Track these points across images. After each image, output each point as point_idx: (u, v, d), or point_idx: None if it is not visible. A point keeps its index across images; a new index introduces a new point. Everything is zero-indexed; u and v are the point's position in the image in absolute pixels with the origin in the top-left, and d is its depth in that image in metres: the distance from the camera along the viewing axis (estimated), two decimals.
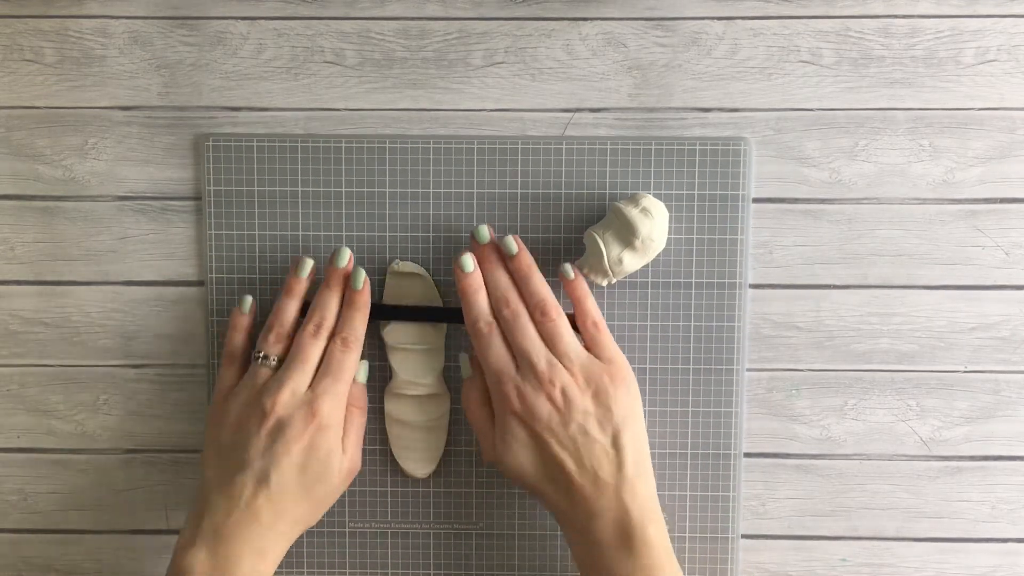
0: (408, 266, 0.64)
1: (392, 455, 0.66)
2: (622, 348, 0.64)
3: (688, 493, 0.66)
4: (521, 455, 0.60)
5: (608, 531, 0.58)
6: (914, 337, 0.66)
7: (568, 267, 0.62)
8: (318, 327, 0.61)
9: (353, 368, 0.61)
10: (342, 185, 0.65)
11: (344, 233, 0.65)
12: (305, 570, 0.66)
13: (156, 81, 0.65)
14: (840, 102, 0.65)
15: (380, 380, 0.65)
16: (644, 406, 0.65)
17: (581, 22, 0.65)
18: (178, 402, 0.66)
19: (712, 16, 0.64)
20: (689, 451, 0.66)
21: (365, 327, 0.62)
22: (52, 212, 0.66)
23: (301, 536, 0.65)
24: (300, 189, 0.65)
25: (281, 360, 0.61)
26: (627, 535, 0.58)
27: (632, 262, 0.61)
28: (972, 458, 0.66)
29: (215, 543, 0.58)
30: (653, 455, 0.65)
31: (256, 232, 0.65)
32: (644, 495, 0.59)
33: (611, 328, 0.65)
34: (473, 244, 0.62)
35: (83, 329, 0.66)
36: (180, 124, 0.65)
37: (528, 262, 0.62)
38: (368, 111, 0.65)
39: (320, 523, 0.66)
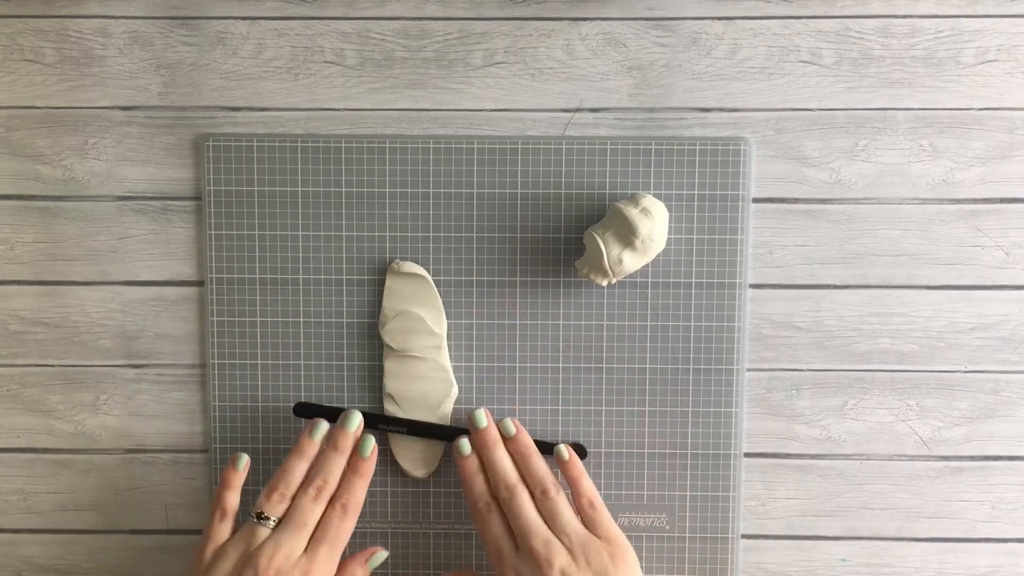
0: (408, 266, 0.64)
1: (392, 456, 0.66)
2: (622, 348, 0.64)
3: (688, 493, 0.66)
4: None
5: None
6: (914, 337, 0.66)
7: (562, 448, 0.63)
8: (319, 491, 0.61)
9: (348, 535, 0.61)
10: (342, 185, 0.65)
11: (344, 233, 0.65)
12: None
13: (156, 81, 0.65)
14: (840, 102, 0.65)
15: (379, 381, 0.65)
16: (644, 405, 0.65)
17: (581, 22, 0.65)
18: (178, 402, 0.66)
19: (712, 16, 0.64)
20: (689, 451, 0.66)
21: (365, 495, 0.62)
22: (52, 212, 0.66)
23: None
24: (300, 189, 0.65)
25: (279, 520, 0.60)
26: None
27: (632, 262, 0.61)
28: (972, 458, 0.66)
29: None
30: (654, 455, 0.65)
31: (256, 232, 0.65)
32: None
33: (611, 328, 0.65)
34: (471, 428, 0.63)
35: (83, 329, 0.66)
36: (180, 124, 0.65)
37: (527, 442, 0.63)
38: (368, 111, 0.65)
39: None
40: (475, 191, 0.65)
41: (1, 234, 0.66)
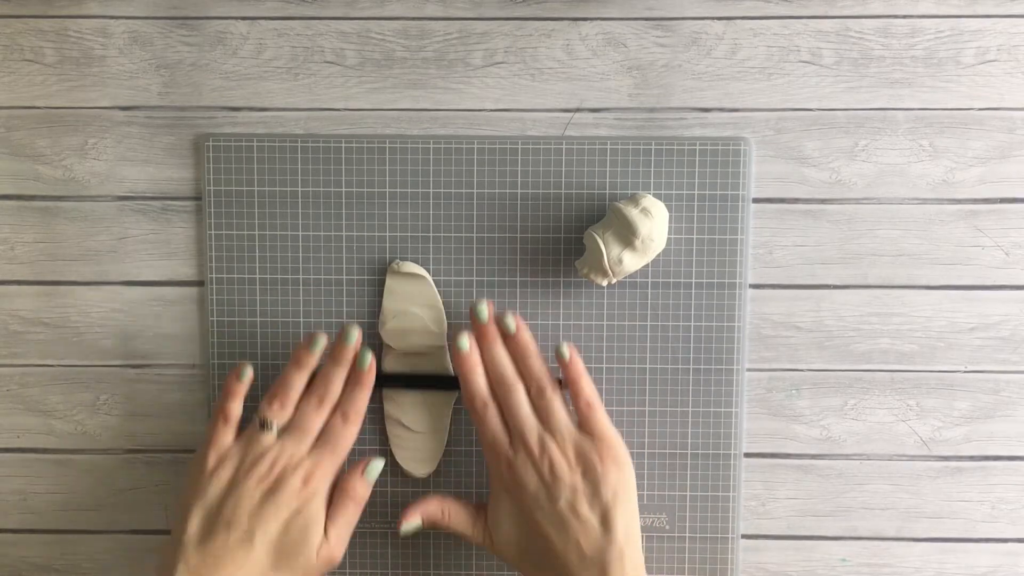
0: (408, 266, 0.64)
1: (392, 455, 0.66)
2: (622, 348, 0.64)
3: (688, 493, 0.66)
4: (507, 526, 0.60)
5: None
6: (914, 337, 0.66)
7: (564, 347, 0.62)
8: (321, 400, 0.61)
9: (350, 442, 0.61)
10: (342, 185, 0.65)
11: (344, 233, 0.65)
12: None
13: (156, 81, 0.65)
14: (840, 102, 0.65)
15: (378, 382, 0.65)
16: (644, 405, 0.65)
17: (581, 22, 0.65)
18: (178, 402, 0.66)
19: (712, 16, 0.64)
20: (689, 451, 0.66)
21: (366, 404, 0.62)
22: (52, 212, 0.66)
23: None
24: (300, 189, 0.65)
25: (282, 429, 0.61)
26: None
27: (632, 262, 0.61)
28: (972, 458, 0.66)
29: None
30: (653, 455, 0.65)
31: (256, 232, 0.65)
32: (632, 572, 0.58)
33: (611, 328, 0.65)
34: (472, 321, 0.62)
35: (83, 329, 0.66)
36: (180, 124, 0.65)
37: (526, 340, 0.62)
38: (368, 111, 0.65)
39: None
40: (475, 191, 0.65)
41: (1, 234, 0.66)
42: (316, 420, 0.61)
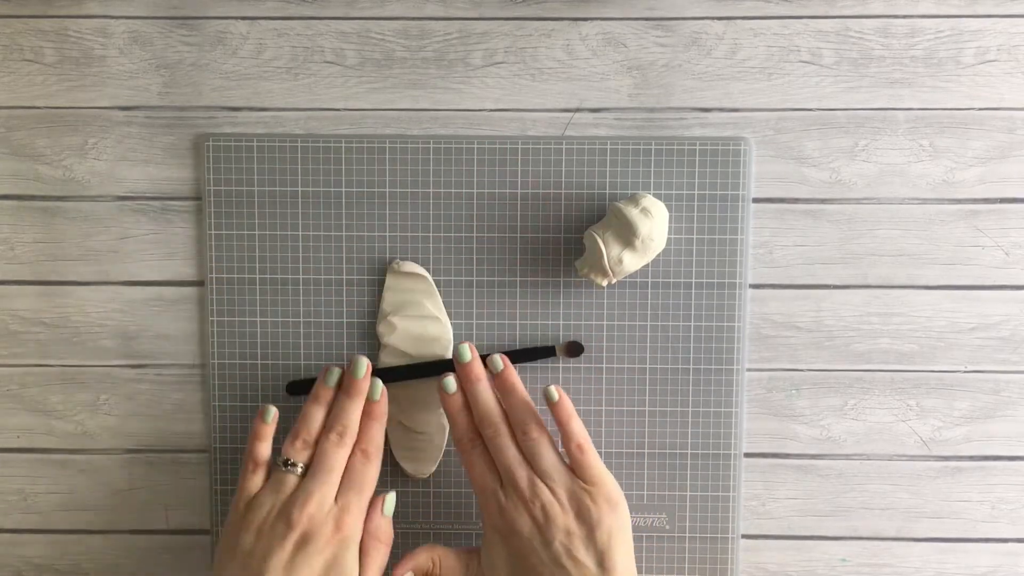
0: (409, 266, 0.64)
1: (392, 456, 0.66)
2: (622, 348, 0.64)
3: (688, 493, 0.66)
4: (501, 571, 0.60)
5: None
6: (914, 337, 0.66)
7: (552, 390, 0.61)
8: (341, 435, 0.61)
9: (374, 480, 0.61)
10: (342, 185, 0.65)
11: (344, 233, 0.65)
12: None
13: (156, 81, 0.65)
14: (840, 102, 0.65)
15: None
16: (644, 405, 0.65)
17: (581, 22, 0.65)
18: (178, 402, 0.66)
19: (712, 16, 0.64)
20: (689, 451, 0.66)
21: (383, 437, 0.62)
22: (52, 212, 0.66)
23: None
24: (300, 189, 0.65)
25: (305, 467, 0.61)
26: None
27: (632, 262, 0.61)
28: (972, 458, 0.66)
29: None
30: (653, 455, 0.65)
31: (256, 232, 0.65)
32: None
33: (611, 328, 0.65)
34: (455, 362, 0.62)
35: (83, 329, 0.66)
36: (180, 124, 0.65)
37: (512, 380, 0.62)
38: (368, 111, 0.65)
39: None
40: (475, 191, 0.65)
41: (1, 234, 0.66)
42: (339, 456, 0.61)
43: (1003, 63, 0.64)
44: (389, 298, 0.65)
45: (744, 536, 0.67)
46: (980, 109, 0.64)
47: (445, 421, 0.65)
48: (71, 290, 0.66)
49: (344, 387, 0.62)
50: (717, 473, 0.66)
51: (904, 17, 0.64)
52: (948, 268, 0.65)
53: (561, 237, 0.65)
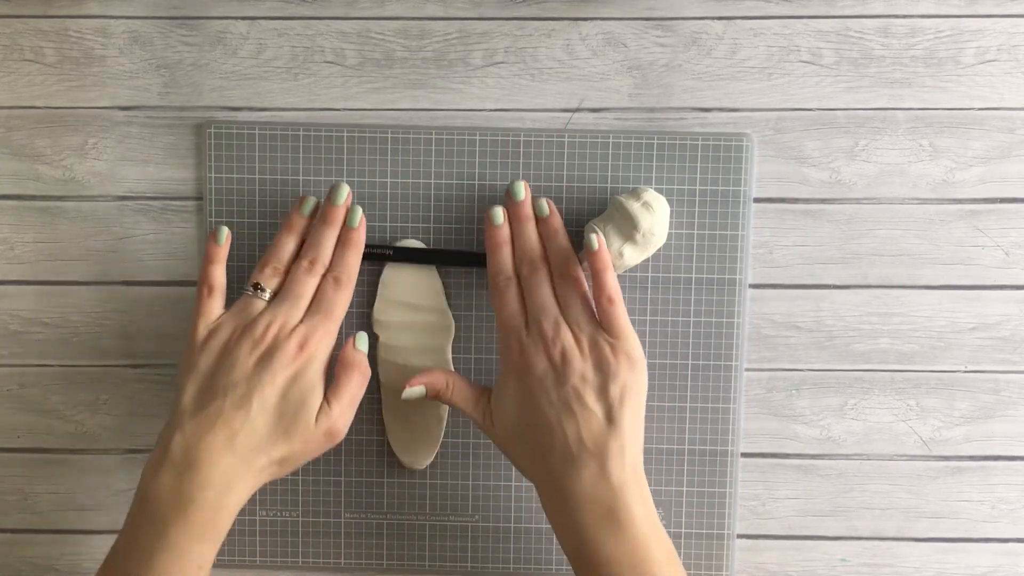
0: (411, 243, 0.64)
1: (389, 447, 0.66)
2: None
3: (685, 490, 0.66)
4: (510, 409, 0.59)
5: (590, 508, 0.56)
6: (914, 337, 0.66)
7: (593, 237, 0.60)
8: (312, 263, 0.60)
9: (344, 306, 0.60)
10: (343, 177, 0.64)
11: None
12: (300, 560, 0.66)
13: (156, 81, 0.65)
14: (840, 102, 0.65)
15: (375, 379, 0.65)
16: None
17: (581, 22, 0.65)
18: None
19: (712, 16, 0.64)
20: (687, 447, 0.66)
21: (358, 266, 0.62)
22: (52, 212, 0.66)
23: (297, 526, 0.65)
24: (301, 189, 0.65)
25: (274, 294, 0.60)
26: (611, 512, 0.56)
27: (633, 256, 0.61)
28: (972, 458, 0.66)
29: (183, 468, 0.56)
30: (650, 451, 0.65)
31: (256, 232, 0.65)
32: (630, 469, 0.57)
33: None
34: (507, 200, 0.62)
35: (83, 329, 0.66)
36: (180, 124, 0.65)
37: (558, 225, 0.62)
38: (368, 111, 0.65)
39: (316, 514, 0.66)
40: (476, 183, 0.65)
41: (1, 234, 0.66)
42: (308, 284, 0.60)
43: (1003, 63, 0.64)
44: (384, 293, 0.64)
45: (744, 536, 0.67)
46: (980, 109, 0.64)
47: (442, 412, 0.65)
48: (71, 290, 0.66)
49: (321, 214, 0.62)
50: (714, 471, 0.66)
51: (904, 17, 0.64)
52: (948, 268, 0.65)
53: None
